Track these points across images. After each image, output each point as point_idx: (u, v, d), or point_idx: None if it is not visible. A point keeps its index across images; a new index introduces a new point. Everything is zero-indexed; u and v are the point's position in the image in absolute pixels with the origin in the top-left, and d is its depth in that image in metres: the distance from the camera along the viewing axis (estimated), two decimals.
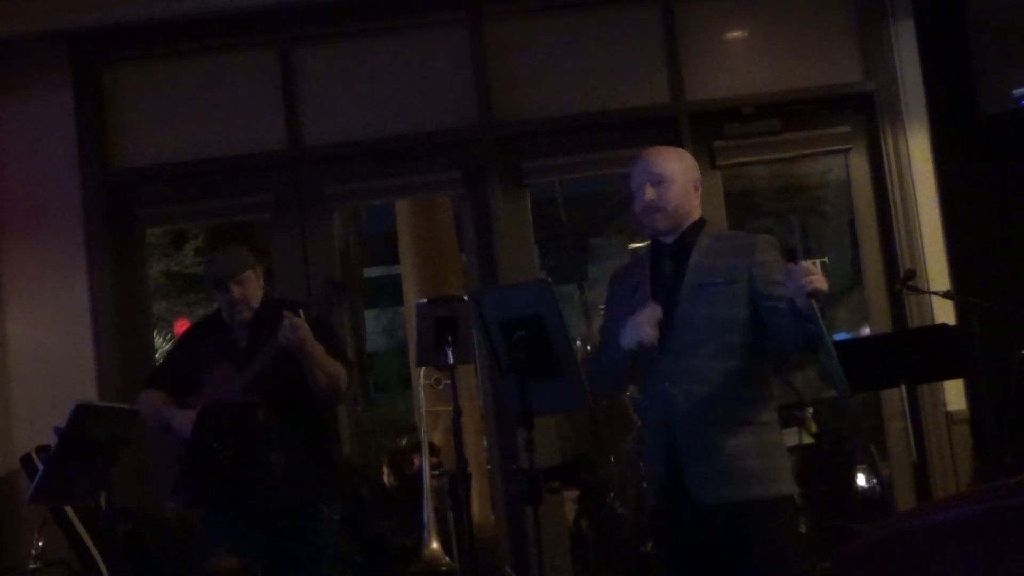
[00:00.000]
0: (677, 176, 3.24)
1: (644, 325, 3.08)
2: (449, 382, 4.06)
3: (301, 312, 3.74)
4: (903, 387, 4.58)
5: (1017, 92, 5.14)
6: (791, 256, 2.96)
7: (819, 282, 2.87)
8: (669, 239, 3.24)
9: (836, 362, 3.08)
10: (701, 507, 3.07)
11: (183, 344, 4.22)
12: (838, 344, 4.33)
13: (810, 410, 5.75)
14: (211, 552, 3.77)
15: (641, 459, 3.37)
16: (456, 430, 3.94)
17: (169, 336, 9.22)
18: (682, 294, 3.15)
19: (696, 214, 3.28)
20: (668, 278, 3.20)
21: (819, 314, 2.88)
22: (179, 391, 4.00)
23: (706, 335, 3.12)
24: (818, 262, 6.06)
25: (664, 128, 5.52)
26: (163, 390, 4.04)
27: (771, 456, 3.15)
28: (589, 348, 6.68)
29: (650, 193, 3.21)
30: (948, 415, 5.31)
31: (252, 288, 3.96)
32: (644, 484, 3.40)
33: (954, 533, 1.99)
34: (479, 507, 6.51)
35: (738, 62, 5.65)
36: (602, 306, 6.20)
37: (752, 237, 3.28)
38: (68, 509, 4.85)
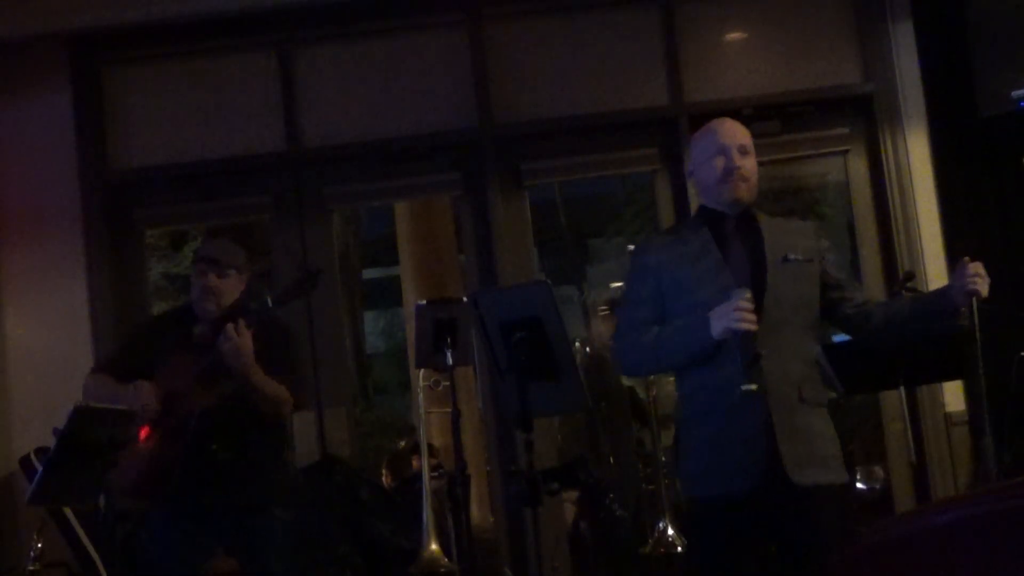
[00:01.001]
0: (753, 151, 3.23)
1: (743, 312, 2.94)
2: (448, 384, 4.06)
3: (268, 301, 3.63)
4: (902, 389, 4.58)
5: (1016, 94, 5.13)
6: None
7: (982, 286, 2.97)
8: (734, 211, 3.18)
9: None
10: (796, 489, 2.99)
11: (141, 333, 4.14)
12: (837, 346, 4.35)
13: None
14: (167, 551, 3.77)
15: (680, 453, 3.21)
16: (455, 432, 3.94)
17: None
18: (769, 270, 3.10)
19: None
20: (738, 252, 3.14)
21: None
22: (129, 380, 3.83)
23: (792, 313, 3.08)
24: None
25: (663, 129, 5.52)
26: (113, 376, 3.89)
27: (838, 442, 3.16)
28: (588, 349, 6.64)
29: (739, 159, 3.16)
30: (947, 416, 5.30)
31: (229, 286, 3.86)
32: (683, 476, 3.21)
33: (953, 535, 1.99)
34: (478, 509, 6.51)
35: (737, 63, 5.65)
36: (603, 307, 6.22)
37: (806, 222, 3.32)
38: (67, 510, 4.85)
